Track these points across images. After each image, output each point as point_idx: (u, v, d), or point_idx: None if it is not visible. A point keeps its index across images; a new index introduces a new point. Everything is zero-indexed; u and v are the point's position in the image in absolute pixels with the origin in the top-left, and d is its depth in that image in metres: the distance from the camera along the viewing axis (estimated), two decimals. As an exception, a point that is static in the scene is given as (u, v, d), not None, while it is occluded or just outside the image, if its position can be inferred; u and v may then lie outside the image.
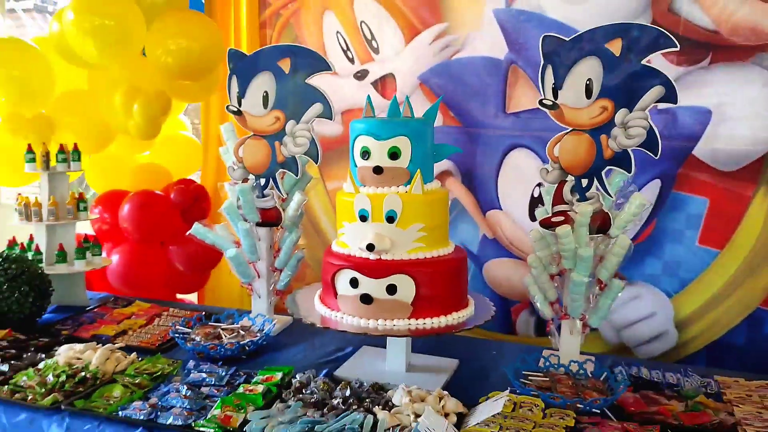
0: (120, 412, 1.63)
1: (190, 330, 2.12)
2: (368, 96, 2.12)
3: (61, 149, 2.44)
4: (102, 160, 3.17)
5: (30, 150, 2.44)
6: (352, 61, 3.33)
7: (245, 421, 1.57)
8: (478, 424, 1.59)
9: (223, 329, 2.13)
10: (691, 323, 3.04)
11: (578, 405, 1.70)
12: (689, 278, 3.01)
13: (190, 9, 3.12)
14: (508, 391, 1.71)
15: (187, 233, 2.30)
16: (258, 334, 2.10)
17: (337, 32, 3.34)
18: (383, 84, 3.30)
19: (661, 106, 1.97)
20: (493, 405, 1.65)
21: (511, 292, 3.22)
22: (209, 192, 3.30)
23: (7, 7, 4.34)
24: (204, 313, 2.29)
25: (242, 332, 2.12)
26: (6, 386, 1.74)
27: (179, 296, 3.27)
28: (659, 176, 2.94)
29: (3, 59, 2.83)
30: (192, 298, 3.44)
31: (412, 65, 3.25)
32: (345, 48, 3.33)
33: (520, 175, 3.16)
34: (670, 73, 2.66)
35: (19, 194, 2.54)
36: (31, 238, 2.52)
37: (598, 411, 1.70)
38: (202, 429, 1.55)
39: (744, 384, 1.98)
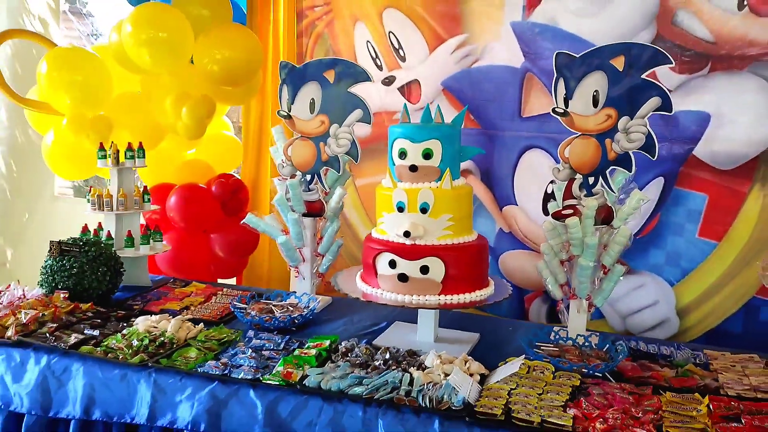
0: (198, 369, 1.96)
1: (245, 306, 2.45)
2: (405, 104, 2.44)
3: (129, 147, 2.78)
4: (153, 156, 3.50)
5: (102, 148, 2.77)
6: (380, 68, 3.65)
7: (303, 377, 1.90)
8: (497, 381, 1.91)
9: (274, 305, 2.46)
10: (692, 311, 3.33)
11: (583, 369, 2.01)
12: (690, 268, 3.30)
13: (234, 21, 3.45)
14: (523, 357, 2.03)
15: (242, 222, 2.63)
16: (305, 310, 2.42)
17: (368, 41, 3.66)
18: (409, 89, 3.62)
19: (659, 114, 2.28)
20: (510, 367, 1.96)
21: (525, 281, 3.53)
22: (248, 186, 3.64)
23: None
24: (254, 293, 2.63)
25: (291, 308, 2.45)
26: (99, 348, 2.08)
27: (219, 281, 3.60)
28: (662, 174, 3.23)
29: (67, 66, 3.17)
30: (230, 282, 3.77)
31: (435, 72, 3.57)
32: (374, 56, 3.65)
33: (535, 174, 3.47)
34: (673, 81, 2.98)
35: (91, 187, 2.88)
36: (100, 226, 2.86)
37: (600, 375, 2.01)
38: (268, 381, 1.88)
39: (729, 357, 2.28)
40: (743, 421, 1.71)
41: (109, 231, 2.75)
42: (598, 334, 2.33)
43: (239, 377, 1.91)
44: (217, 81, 3.22)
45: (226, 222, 3.25)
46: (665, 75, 3.13)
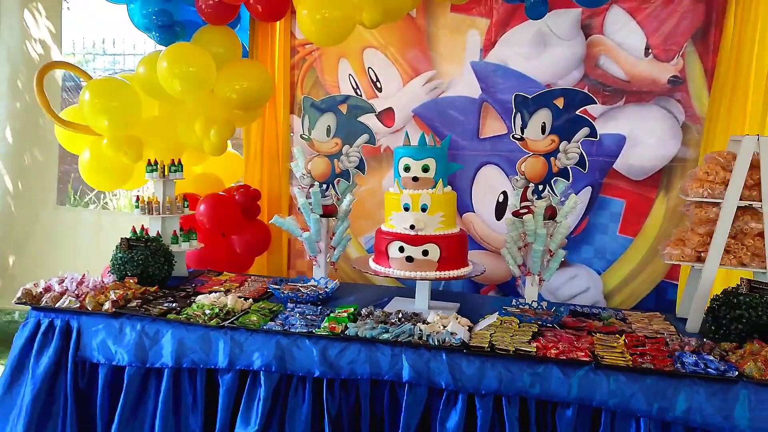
0: (263, 327, 2.69)
1: (279, 287, 3.18)
2: (406, 132, 3.25)
3: (172, 163, 3.47)
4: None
5: (150, 163, 3.45)
6: (361, 96, 4.45)
7: (344, 329, 2.66)
8: (481, 329, 2.73)
9: (300, 286, 3.21)
10: (615, 294, 4.23)
11: (539, 321, 2.86)
12: (613, 259, 4.21)
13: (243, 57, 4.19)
14: (497, 313, 2.86)
15: (270, 222, 3.36)
16: (326, 289, 3.18)
17: (350, 74, 4.45)
18: (385, 115, 4.40)
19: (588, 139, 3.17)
20: (488, 320, 2.79)
21: (481, 277, 4.34)
22: (250, 195, 4.35)
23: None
24: (278, 279, 3.36)
25: (313, 288, 3.20)
26: (180, 315, 2.78)
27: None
28: (590, 184, 4.15)
29: (105, 93, 3.80)
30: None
31: (407, 101, 4.37)
32: (355, 87, 4.44)
33: (489, 186, 4.32)
34: (597, 110, 3.89)
35: (138, 196, 3.55)
36: (142, 228, 3.51)
37: (551, 325, 2.86)
38: (319, 333, 2.63)
39: (641, 315, 3.18)
40: (647, 346, 2.59)
41: (158, 231, 3.42)
42: (546, 300, 3.19)
43: (296, 331, 2.65)
44: (234, 107, 3.94)
45: (244, 225, 3.95)
46: (594, 106, 4.06)
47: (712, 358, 2.47)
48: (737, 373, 2.38)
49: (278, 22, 4.29)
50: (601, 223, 4.20)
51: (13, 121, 5.29)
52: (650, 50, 3.99)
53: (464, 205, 4.34)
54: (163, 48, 3.82)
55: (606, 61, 4.06)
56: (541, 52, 4.13)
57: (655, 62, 4.00)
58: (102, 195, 8.00)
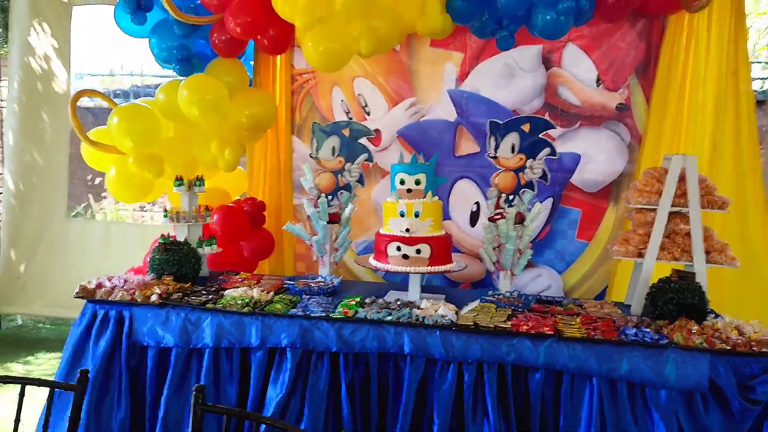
0: (288, 313, 3.28)
1: (293, 282, 3.78)
2: (401, 153, 3.89)
3: (197, 178, 4.04)
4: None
5: (177, 178, 4.01)
6: (351, 120, 5.07)
7: (355, 312, 3.27)
8: (465, 313, 3.37)
9: (311, 282, 3.81)
10: (574, 291, 4.90)
11: (512, 307, 3.51)
12: (571, 261, 4.89)
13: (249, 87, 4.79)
14: (478, 300, 3.51)
15: (283, 228, 3.96)
16: (332, 284, 3.78)
17: (342, 100, 5.08)
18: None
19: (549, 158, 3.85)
20: (471, 305, 3.43)
21: (457, 276, 5.00)
22: (255, 207, 4.93)
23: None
24: (288, 277, 3.95)
25: (321, 283, 3.81)
26: (216, 305, 3.35)
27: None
28: (552, 196, 4.83)
29: (130, 117, 4.34)
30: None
31: (392, 124, 5.02)
32: (347, 111, 5.08)
33: (464, 197, 4.97)
34: (556, 132, 4.57)
35: (165, 207, 4.10)
36: (168, 234, 4.06)
37: (521, 309, 3.51)
38: (335, 316, 3.24)
39: (594, 303, 3.86)
40: (598, 322, 3.26)
41: (186, 237, 3.98)
42: (517, 291, 3.85)
43: (316, 315, 3.25)
44: (243, 129, 4.53)
45: (252, 232, 4.53)
46: (552, 130, 4.76)
47: (648, 330, 3.16)
48: (667, 341, 3.06)
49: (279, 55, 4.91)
50: (561, 229, 4.89)
51: (20, 137, 5.79)
52: (600, 81, 4.71)
53: (444, 213, 4.98)
54: (181, 78, 4.40)
55: (563, 90, 4.76)
56: (509, 82, 4.82)
57: (605, 91, 4.72)
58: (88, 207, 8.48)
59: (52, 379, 2.17)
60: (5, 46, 6.22)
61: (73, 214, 7.38)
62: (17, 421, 2.11)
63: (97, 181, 9.10)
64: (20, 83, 5.77)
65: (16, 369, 5.03)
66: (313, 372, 3.18)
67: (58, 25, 5.83)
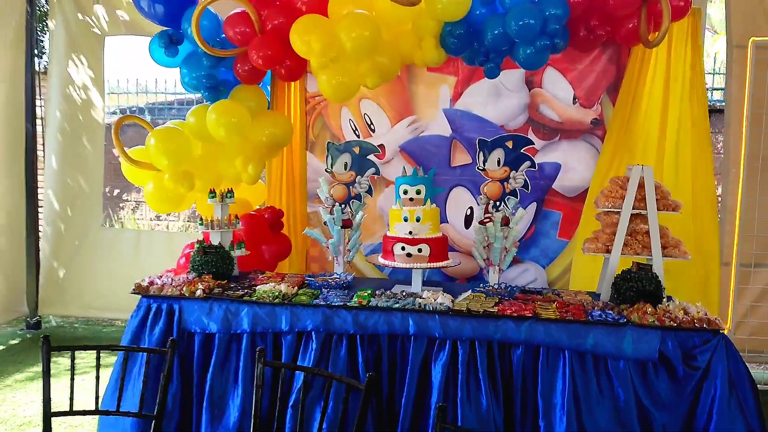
0: (312, 302, 3.97)
1: (314, 279, 4.46)
2: (404, 166, 4.58)
3: (228, 191, 4.72)
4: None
5: (211, 191, 4.68)
6: (358, 136, 5.77)
7: (368, 302, 3.95)
8: (459, 301, 4.05)
9: (328, 278, 4.49)
10: (556, 284, 5.60)
11: (499, 296, 4.19)
12: (554, 257, 5.59)
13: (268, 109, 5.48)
14: (470, 290, 4.20)
15: (303, 232, 4.65)
16: (346, 279, 4.46)
17: (350, 119, 5.78)
18: (378, 149, 5.75)
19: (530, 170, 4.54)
20: (465, 294, 4.12)
21: (454, 272, 5.70)
22: (274, 215, 5.62)
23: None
24: (307, 275, 4.63)
25: (337, 279, 4.48)
26: (252, 297, 4.03)
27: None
28: (536, 200, 5.54)
29: (164, 138, 5.02)
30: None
31: (395, 139, 5.72)
32: (354, 128, 5.77)
33: (459, 203, 5.67)
34: (539, 144, 5.27)
35: (201, 215, 4.78)
36: (202, 240, 4.73)
37: (507, 298, 4.19)
38: (351, 305, 3.91)
39: (569, 291, 4.54)
40: (570, 307, 3.94)
41: (220, 242, 4.67)
42: (504, 284, 4.53)
43: (336, 305, 3.93)
44: (264, 147, 5.21)
45: (271, 237, 5.21)
46: (536, 142, 5.47)
47: (611, 312, 3.84)
48: (625, 320, 3.75)
49: (293, 80, 5.60)
50: (544, 229, 5.59)
51: (63, 162, 6.50)
52: (576, 99, 5.41)
53: (441, 217, 5.67)
54: (208, 103, 5.10)
55: (544, 107, 5.47)
56: (496, 100, 5.53)
57: (581, 108, 5.43)
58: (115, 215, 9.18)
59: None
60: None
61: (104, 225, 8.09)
62: (97, 378, 2.82)
63: (116, 192, 9.80)
64: (62, 113, 6.46)
65: (63, 361, 5.68)
66: (334, 351, 3.85)
67: (93, 56, 6.52)
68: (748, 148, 5.46)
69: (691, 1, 4.54)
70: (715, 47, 10.48)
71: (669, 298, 4.16)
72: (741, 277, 5.56)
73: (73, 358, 2.87)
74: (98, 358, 2.90)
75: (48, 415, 2.81)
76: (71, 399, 2.87)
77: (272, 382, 3.82)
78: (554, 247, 5.59)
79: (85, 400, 3.19)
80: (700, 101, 5.10)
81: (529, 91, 5.48)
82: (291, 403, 3.77)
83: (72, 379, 2.89)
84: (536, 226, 5.58)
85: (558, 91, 5.44)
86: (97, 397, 2.99)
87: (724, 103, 6.03)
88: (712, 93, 7.75)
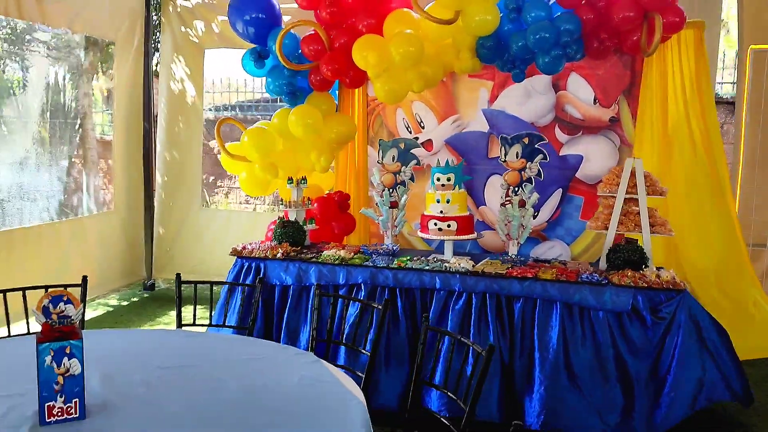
0: (364, 264, 5.24)
1: (367, 247, 5.73)
2: (447, 160, 5.78)
3: (302, 178, 6.05)
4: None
5: (289, 178, 6.03)
6: (410, 133, 6.98)
7: (406, 264, 5.18)
8: (478, 265, 5.21)
9: (379, 247, 5.74)
10: (578, 258, 6.67)
11: (512, 263, 5.32)
12: (577, 235, 6.62)
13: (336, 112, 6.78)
14: (488, 258, 5.36)
15: (360, 211, 5.93)
16: (393, 249, 5.71)
17: (403, 118, 7.00)
18: (427, 144, 6.94)
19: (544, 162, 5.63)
20: (483, 261, 5.29)
21: (488, 245, 6.81)
22: (341, 198, 6.94)
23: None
24: (364, 245, 5.91)
25: (386, 248, 5.73)
26: (318, 259, 5.35)
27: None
28: (561, 187, 6.61)
29: (255, 136, 6.39)
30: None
31: (441, 134, 6.89)
32: (407, 126, 6.99)
33: (496, 189, 6.78)
34: (564, 138, 6.39)
35: (282, 198, 6.16)
36: (281, 217, 6.08)
37: (518, 265, 5.31)
38: (393, 266, 5.16)
39: (575, 262, 5.61)
40: (567, 271, 5.04)
41: (295, 217, 6.01)
42: (519, 255, 5.65)
43: (381, 266, 5.19)
44: (333, 143, 6.52)
45: (339, 215, 6.52)
46: (561, 137, 6.53)
47: (596, 275, 4.92)
48: (607, 281, 4.82)
49: (357, 86, 6.89)
50: (568, 212, 6.63)
51: (169, 148, 8.06)
52: (597, 100, 6.42)
53: (481, 201, 6.84)
54: (287, 105, 6.44)
55: (569, 107, 6.51)
56: (527, 101, 6.61)
57: (600, 108, 6.44)
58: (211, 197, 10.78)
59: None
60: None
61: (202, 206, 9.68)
62: (211, 303, 4.21)
63: (211, 179, 11.42)
64: (170, 111, 8.02)
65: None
66: (378, 299, 5.12)
67: (191, 59, 8.04)
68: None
69: (685, 18, 5.48)
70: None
71: (647, 266, 5.18)
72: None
73: (195, 289, 4.28)
74: (211, 290, 4.27)
75: (179, 325, 4.21)
76: (194, 315, 4.26)
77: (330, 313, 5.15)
78: (577, 227, 6.62)
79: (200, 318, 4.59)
80: (707, 99, 6.01)
81: (556, 93, 6.51)
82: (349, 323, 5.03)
83: (194, 303, 4.27)
84: (561, 209, 6.62)
85: (581, 93, 6.45)
86: (210, 316, 4.39)
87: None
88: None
